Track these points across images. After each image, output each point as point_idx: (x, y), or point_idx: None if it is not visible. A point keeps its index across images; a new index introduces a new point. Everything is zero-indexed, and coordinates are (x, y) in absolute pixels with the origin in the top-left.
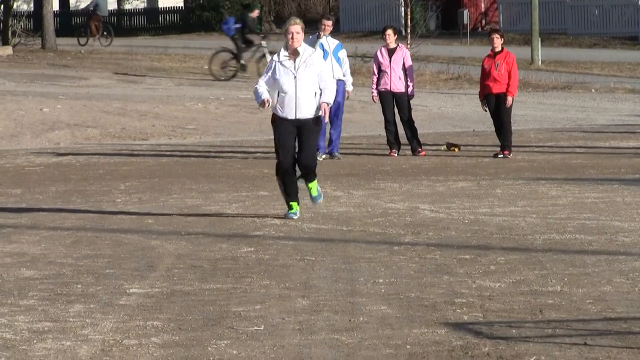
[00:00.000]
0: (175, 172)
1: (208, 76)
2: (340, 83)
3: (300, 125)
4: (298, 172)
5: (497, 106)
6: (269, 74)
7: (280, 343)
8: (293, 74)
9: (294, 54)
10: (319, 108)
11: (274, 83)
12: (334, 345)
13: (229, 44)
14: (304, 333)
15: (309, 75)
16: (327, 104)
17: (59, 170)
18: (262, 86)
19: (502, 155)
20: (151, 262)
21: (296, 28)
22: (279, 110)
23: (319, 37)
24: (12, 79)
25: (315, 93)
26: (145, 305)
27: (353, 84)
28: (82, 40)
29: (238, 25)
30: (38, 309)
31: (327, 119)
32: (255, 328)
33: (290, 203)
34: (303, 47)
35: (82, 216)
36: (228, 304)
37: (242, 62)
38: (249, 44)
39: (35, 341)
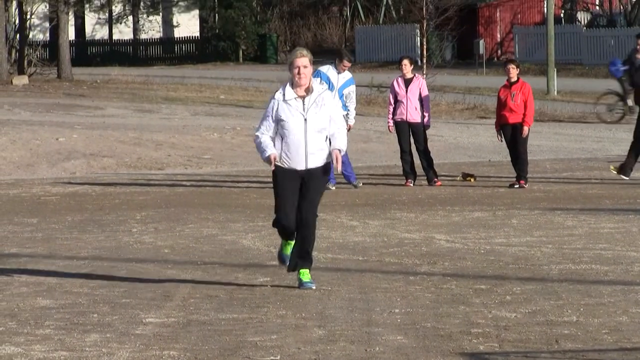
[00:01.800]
0: (191, 202)
1: (224, 106)
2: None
3: (307, 176)
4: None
5: (513, 136)
6: (271, 117)
7: None
8: (303, 115)
9: (303, 92)
10: (328, 155)
11: (276, 128)
12: None
13: (614, 85)
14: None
15: (321, 117)
16: (340, 151)
17: (75, 199)
18: (265, 136)
19: (517, 186)
20: (167, 291)
21: (303, 61)
22: (285, 162)
23: (334, 65)
24: (28, 109)
25: (326, 137)
26: (161, 335)
27: (368, 113)
28: None
29: (626, 67)
30: (54, 338)
31: (339, 169)
32: (272, 358)
33: (285, 242)
34: (312, 84)
35: (98, 246)
36: (244, 333)
37: (630, 104)
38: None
39: None
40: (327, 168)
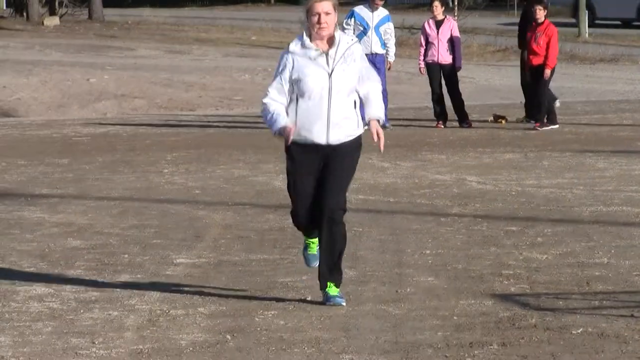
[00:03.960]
0: (223, 143)
1: (256, 47)
2: (379, 56)
3: (330, 153)
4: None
5: (535, 77)
6: (285, 76)
7: (327, 314)
8: (326, 71)
9: (325, 43)
10: (358, 125)
11: (292, 90)
12: (381, 316)
13: None
14: (351, 304)
15: (349, 76)
16: (379, 121)
17: (105, 140)
18: (277, 101)
19: (536, 126)
20: (198, 232)
21: (325, 6)
22: (300, 133)
23: (368, 3)
24: (59, 49)
25: (355, 102)
26: (192, 276)
27: (399, 55)
28: None
29: None
30: (85, 278)
31: (382, 147)
32: (303, 299)
33: (308, 241)
34: (338, 35)
35: (129, 186)
36: (275, 274)
37: None
38: None
39: (82, 311)
40: (356, 145)
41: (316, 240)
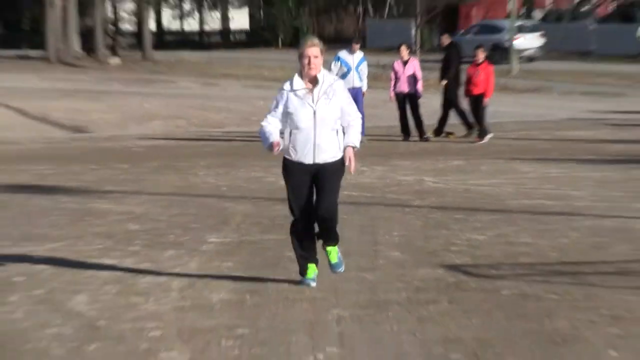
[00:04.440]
0: (243, 152)
1: (268, 80)
2: (357, 89)
3: (318, 170)
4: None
5: (474, 103)
6: (280, 108)
7: (320, 279)
8: (312, 107)
9: (312, 82)
10: (340, 149)
11: (285, 120)
12: (360, 280)
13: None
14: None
15: (331, 109)
16: (353, 147)
17: (155, 150)
18: (271, 124)
19: (471, 138)
20: (225, 219)
21: (314, 51)
22: (292, 154)
23: (349, 50)
24: (120, 82)
25: (337, 131)
26: (220, 251)
27: (375, 87)
28: None
29: None
30: (141, 253)
31: (353, 170)
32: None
33: (308, 265)
34: (322, 74)
35: (173, 185)
36: (283, 250)
37: None
38: None
39: (139, 277)
40: (339, 164)
41: (313, 266)
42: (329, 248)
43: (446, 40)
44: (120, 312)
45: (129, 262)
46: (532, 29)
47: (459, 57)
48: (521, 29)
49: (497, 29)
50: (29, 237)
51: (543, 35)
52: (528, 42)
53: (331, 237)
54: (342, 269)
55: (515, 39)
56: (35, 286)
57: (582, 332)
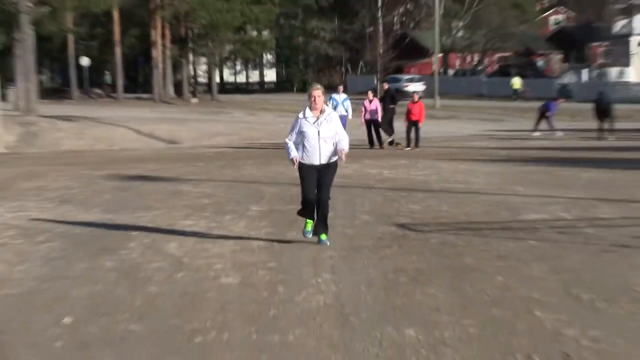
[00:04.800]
0: (272, 155)
1: (287, 112)
2: (344, 116)
3: (321, 169)
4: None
5: (414, 125)
6: (296, 129)
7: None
8: (317, 128)
9: (317, 112)
10: (335, 154)
11: (300, 136)
12: (343, 234)
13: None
14: (330, 229)
15: (329, 129)
16: (344, 151)
17: (220, 154)
18: (290, 142)
19: (409, 148)
20: (261, 196)
21: (318, 92)
22: (305, 159)
23: (337, 92)
24: (197, 113)
25: (333, 143)
26: (258, 216)
27: (353, 116)
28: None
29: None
30: (210, 217)
31: (343, 161)
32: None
33: (307, 221)
34: (325, 107)
35: (231, 175)
36: (297, 216)
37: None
38: None
39: (209, 232)
40: (335, 164)
41: (310, 221)
42: (321, 235)
43: (385, 86)
44: (197, 253)
45: (202, 223)
46: (418, 80)
47: (392, 97)
48: (411, 80)
49: (398, 80)
50: (141, 207)
51: (424, 84)
52: (414, 87)
53: (324, 227)
54: (328, 243)
55: (406, 85)
56: (144, 237)
57: (480, 265)
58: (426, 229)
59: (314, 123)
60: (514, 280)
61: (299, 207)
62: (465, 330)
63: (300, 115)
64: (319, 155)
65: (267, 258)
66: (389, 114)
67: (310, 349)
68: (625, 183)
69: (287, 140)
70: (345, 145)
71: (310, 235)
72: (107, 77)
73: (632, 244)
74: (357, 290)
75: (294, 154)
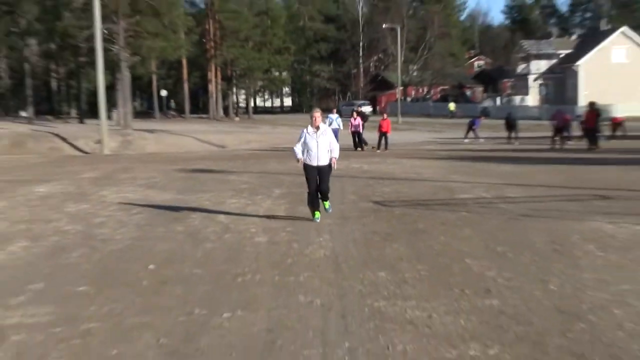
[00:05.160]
0: (288, 156)
1: (299, 127)
2: (336, 129)
3: (319, 168)
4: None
5: (384, 135)
6: (302, 140)
7: (322, 207)
8: (316, 140)
9: (316, 128)
10: (330, 158)
11: (304, 145)
12: (337, 209)
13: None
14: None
15: (325, 140)
16: (335, 158)
17: (253, 155)
18: (298, 148)
19: (379, 150)
20: (282, 182)
21: (317, 114)
22: (307, 161)
23: (332, 113)
24: (238, 127)
25: (328, 150)
26: (280, 196)
27: (344, 128)
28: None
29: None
30: (246, 197)
31: (335, 167)
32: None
33: (315, 212)
34: (321, 125)
35: (259, 169)
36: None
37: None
38: None
39: (252, 206)
40: (330, 165)
41: (317, 213)
42: (325, 203)
43: (358, 109)
44: (238, 221)
45: (242, 201)
46: (367, 104)
47: (364, 115)
48: (363, 104)
49: (354, 104)
50: (200, 190)
51: (370, 106)
52: (364, 108)
53: (326, 197)
54: (330, 210)
55: (359, 107)
56: (203, 210)
57: (428, 228)
58: (392, 204)
59: (314, 136)
60: (451, 239)
61: (308, 192)
62: (419, 273)
63: (305, 130)
64: (317, 158)
65: (286, 225)
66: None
67: (315, 286)
68: (526, 173)
69: (294, 147)
70: (336, 154)
71: (318, 220)
72: (172, 104)
73: (531, 214)
74: (346, 246)
75: (299, 156)
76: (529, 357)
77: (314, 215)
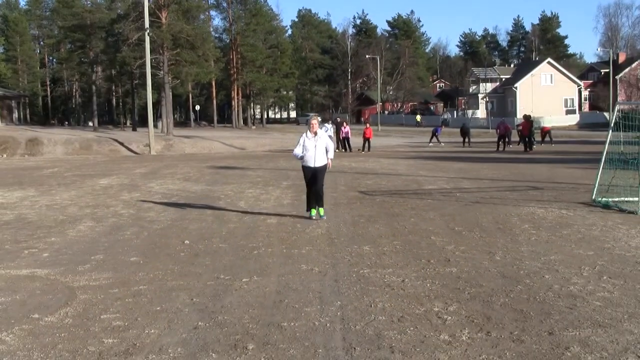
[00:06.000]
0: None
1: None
2: (330, 135)
3: (315, 170)
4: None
5: (367, 140)
6: (301, 144)
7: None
8: (314, 143)
9: (314, 134)
10: (325, 160)
11: (303, 148)
12: (331, 197)
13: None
14: (323, 195)
15: (321, 144)
16: (331, 159)
17: (267, 155)
18: (298, 150)
19: (364, 152)
20: (288, 176)
21: (314, 122)
22: (305, 163)
23: (326, 122)
24: (253, 134)
25: (324, 153)
26: (287, 188)
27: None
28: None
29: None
30: (261, 188)
31: (330, 167)
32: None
33: (311, 208)
34: (318, 130)
35: (271, 166)
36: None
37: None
38: None
39: (261, 195)
40: (325, 166)
41: (313, 210)
42: (320, 209)
43: (342, 120)
44: (255, 205)
45: (258, 190)
46: (343, 116)
47: (338, 123)
48: (338, 117)
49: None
50: (225, 182)
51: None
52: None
53: (320, 203)
54: (325, 217)
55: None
56: (227, 198)
57: (402, 212)
58: (374, 193)
59: (311, 139)
60: (419, 220)
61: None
62: (395, 247)
63: (304, 135)
64: (314, 160)
65: (291, 209)
66: (336, 135)
67: (314, 256)
68: (476, 170)
69: (294, 149)
70: (331, 155)
71: (313, 217)
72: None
73: (481, 201)
74: (338, 226)
75: (299, 156)
76: (480, 312)
77: (309, 211)
